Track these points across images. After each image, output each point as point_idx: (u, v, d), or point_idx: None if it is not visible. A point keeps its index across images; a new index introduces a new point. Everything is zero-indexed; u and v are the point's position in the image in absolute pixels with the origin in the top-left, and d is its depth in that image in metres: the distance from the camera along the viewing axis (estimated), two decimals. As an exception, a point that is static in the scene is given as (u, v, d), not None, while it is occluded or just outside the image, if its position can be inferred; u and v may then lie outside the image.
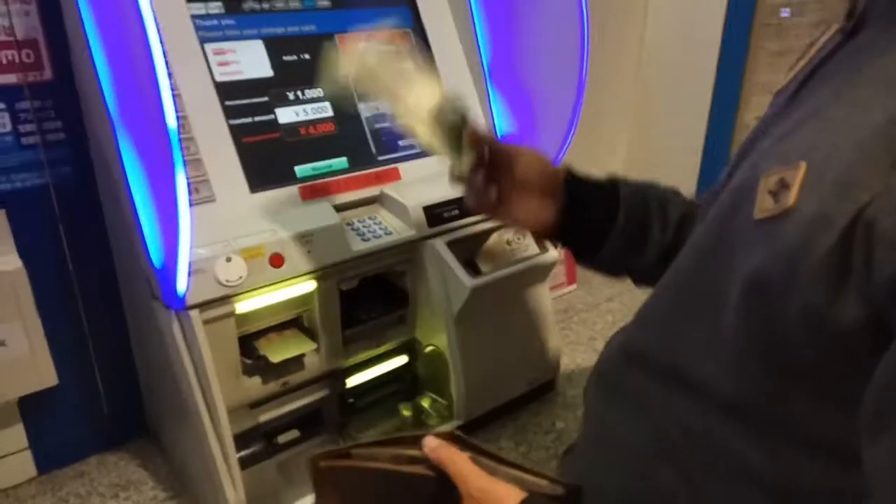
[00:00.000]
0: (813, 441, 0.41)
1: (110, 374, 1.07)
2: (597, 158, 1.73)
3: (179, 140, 0.68)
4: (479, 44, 1.18)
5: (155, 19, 0.65)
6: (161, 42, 0.66)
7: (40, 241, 0.95)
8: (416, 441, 0.58)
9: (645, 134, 1.73)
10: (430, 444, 0.55)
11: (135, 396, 1.12)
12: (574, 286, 1.66)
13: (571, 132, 1.07)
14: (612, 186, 0.78)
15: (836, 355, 0.37)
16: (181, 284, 0.79)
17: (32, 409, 1.00)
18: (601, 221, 0.76)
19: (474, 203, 0.81)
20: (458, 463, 0.53)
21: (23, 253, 0.92)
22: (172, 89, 0.70)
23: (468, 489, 0.52)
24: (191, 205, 0.80)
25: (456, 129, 0.76)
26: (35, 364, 0.94)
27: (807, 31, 1.42)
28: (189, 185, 0.86)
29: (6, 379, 0.92)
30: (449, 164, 0.81)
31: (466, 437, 0.57)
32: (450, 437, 0.57)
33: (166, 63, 0.69)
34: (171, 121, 0.67)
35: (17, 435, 1.01)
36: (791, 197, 0.39)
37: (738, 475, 0.45)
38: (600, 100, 1.55)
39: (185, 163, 0.73)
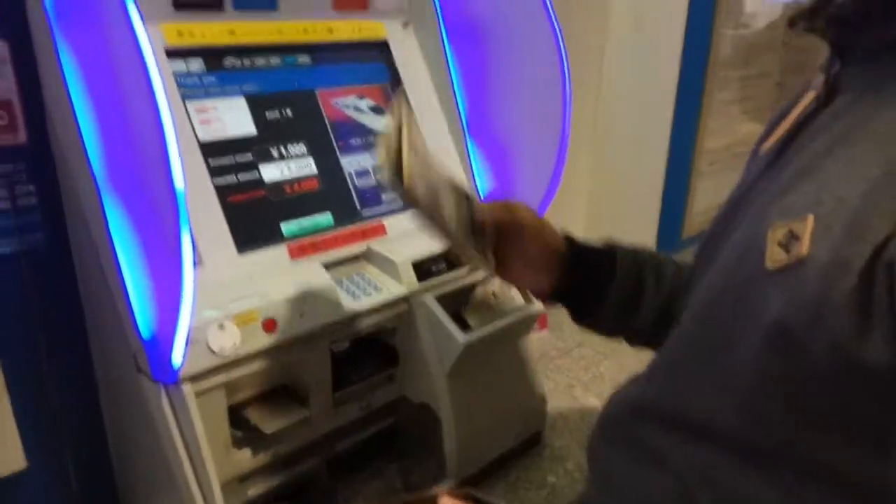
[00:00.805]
0: (841, 481, 0.41)
1: (81, 453, 0.99)
2: (559, 206, 1.77)
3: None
4: (457, 98, 1.19)
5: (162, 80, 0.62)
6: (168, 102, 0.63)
7: (8, 315, 0.88)
8: (431, 502, 0.56)
9: (605, 181, 1.78)
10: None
11: (106, 476, 1.04)
12: (545, 331, 1.67)
13: (556, 185, 1.09)
14: (609, 250, 0.79)
15: (864, 395, 0.38)
16: (177, 356, 0.75)
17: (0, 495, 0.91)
18: (599, 284, 0.77)
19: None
20: None
21: (-12, 327, 0.85)
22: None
23: None
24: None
25: (475, 224, 0.75)
26: (3, 447, 0.86)
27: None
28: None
29: (-32, 466, 0.84)
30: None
31: (480, 494, 0.56)
32: (464, 496, 0.56)
33: (162, 123, 0.66)
34: (179, 181, 0.64)
35: (-26, 525, 0.92)
36: (803, 246, 0.41)
37: None
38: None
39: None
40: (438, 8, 1.16)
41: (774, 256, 0.42)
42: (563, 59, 1.03)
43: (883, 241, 0.36)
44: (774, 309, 0.42)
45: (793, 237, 0.41)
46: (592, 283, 0.77)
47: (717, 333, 0.48)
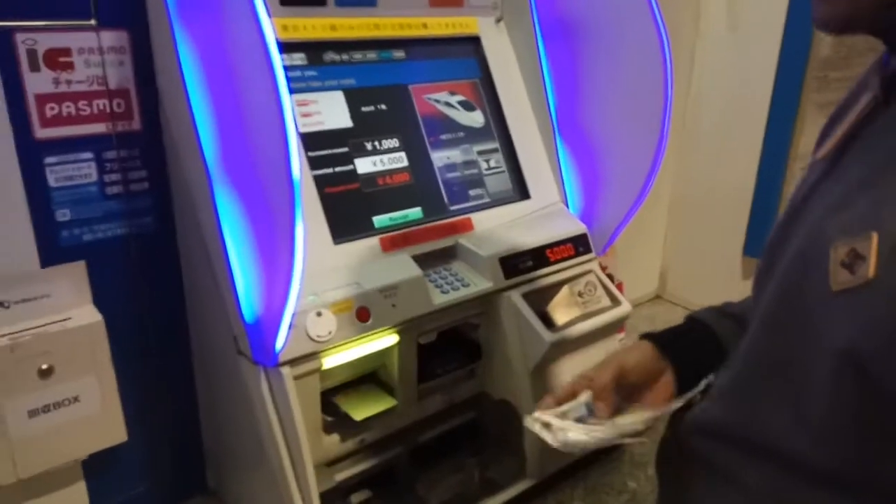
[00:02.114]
0: None
1: (176, 431, 1.03)
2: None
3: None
4: (548, 97, 1.18)
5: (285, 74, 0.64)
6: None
7: (117, 294, 0.92)
8: None
9: (690, 186, 1.73)
10: None
11: (197, 454, 1.08)
12: (623, 333, 1.64)
13: (646, 191, 1.07)
14: (694, 323, 0.75)
15: None
16: (280, 340, 0.77)
17: (96, 466, 0.96)
18: (707, 355, 0.73)
19: None
20: None
21: (100, 305, 0.89)
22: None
23: None
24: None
25: None
26: (107, 420, 0.91)
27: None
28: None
29: (78, 436, 0.89)
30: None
31: None
32: None
33: (283, 114, 0.68)
34: (297, 170, 0.66)
35: (77, 494, 0.96)
36: (870, 268, 0.39)
37: None
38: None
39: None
40: (533, 4, 1.15)
41: (839, 278, 0.41)
42: (666, 63, 1.00)
43: None
44: (844, 334, 0.40)
45: (857, 257, 0.40)
46: (701, 360, 0.72)
47: (784, 353, 0.47)
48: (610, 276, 1.59)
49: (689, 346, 0.72)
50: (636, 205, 1.10)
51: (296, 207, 0.67)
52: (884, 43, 0.46)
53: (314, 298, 0.83)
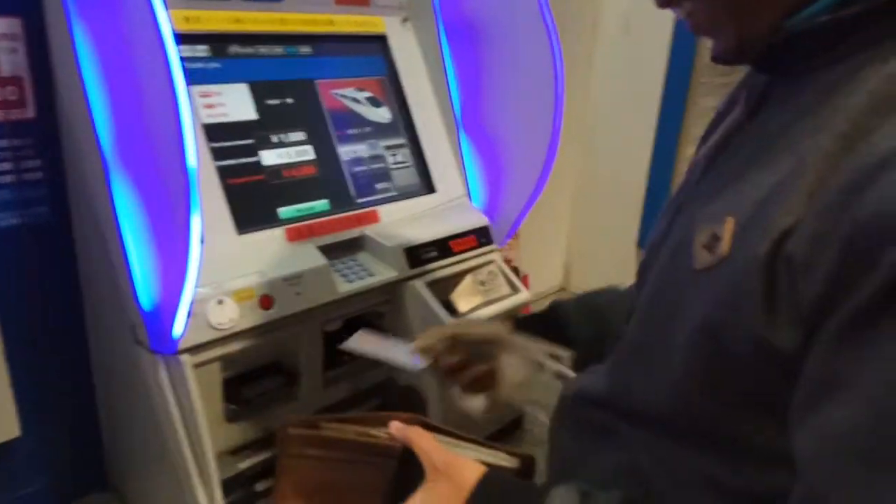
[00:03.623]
0: (765, 454, 0.46)
1: (73, 425, 1.01)
2: (548, 205, 1.81)
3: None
4: (451, 93, 1.23)
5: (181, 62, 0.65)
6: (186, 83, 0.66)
7: (10, 285, 0.90)
8: (380, 421, 0.61)
9: (592, 182, 1.82)
10: (396, 425, 0.59)
11: (95, 447, 1.06)
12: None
13: (542, 184, 1.13)
14: (551, 309, 0.81)
15: (779, 377, 0.42)
16: (178, 327, 0.78)
17: (-12, 462, 0.93)
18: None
19: None
20: (424, 439, 0.57)
21: (-9, 297, 0.87)
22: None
23: (433, 462, 0.56)
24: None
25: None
26: (-1, 414, 0.89)
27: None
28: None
29: (-34, 431, 0.86)
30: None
31: (429, 420, 0.60)
32: (414, 420, 0.60)
33: (178, 104, 0.69)
34: (192, 160, 0.67)
35: (-33, 492, 0.94)
36: (724, 247, 0.45)
37: (705, 488, 0.50)
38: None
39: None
40: (437, 6, 1.19)
41: (700, 258, 0.47)
42: (556, 62, 1.07)
43: (781, 236, 0.40)
44: (701, 307, 0.46)
45: (715, 239, 0.45)
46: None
47: (655, 333, 0.53)
48: (515, 270, 1.66)
49: (540, 328, 0.78)
50: (532, 199, 1.16)
51: (191, 196, 0.68)
52: (755, 68, 0.52)
53: (210, 289, 0.83)
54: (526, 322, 0.80)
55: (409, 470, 0.57)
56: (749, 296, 0.43)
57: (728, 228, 0.46)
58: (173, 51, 0.66)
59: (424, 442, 0.58)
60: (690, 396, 0.49)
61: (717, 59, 0.52)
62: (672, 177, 1.66)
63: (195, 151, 0.69)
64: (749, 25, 0.48)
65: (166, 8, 0.68)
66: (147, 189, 0.77)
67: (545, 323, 0.78)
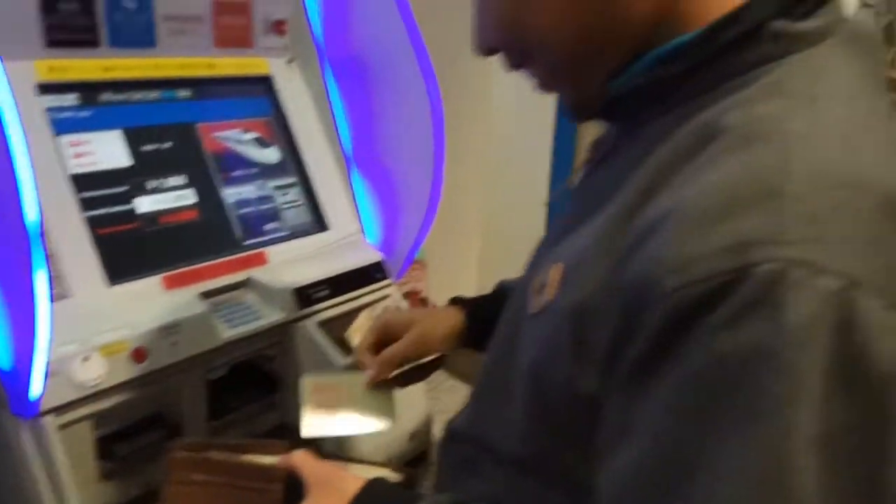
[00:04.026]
0: (582, 485, 0.47)
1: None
2: (454, 240, 1.84)
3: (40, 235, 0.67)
4: (339, 130, 1.24)
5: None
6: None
7: None
8: (272, 448, 0.66)
9: (497, 219, 1.86)
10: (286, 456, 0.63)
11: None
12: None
13: (430, 220, 1.15)
14: (499, 288, 0.85)
15: (589, 418, 0.44)
16: (35, 388, 0.75)
17: None
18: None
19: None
20: (308, 459, 0.61)
21: None
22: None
23: (317, 477, 0.59)
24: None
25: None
26: None
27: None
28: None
29: None
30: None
31: (320, 446, 0.63)
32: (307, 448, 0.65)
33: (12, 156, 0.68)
34: (32, 214, 0.65)
35: None
36: (549, 292, 0.48)
37: None
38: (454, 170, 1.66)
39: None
40: (322, 45, 1.21)
41: (532, 303, 0.49)
42: (433, 97, 1.09)
43: (589, 286, 0.43)
44: (529, 351, 0.49)
45: (545, 284, 0.48)
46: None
47: (500, 372, 0.55)
48: (423, 300, 1.67)
49: (491, 309, 0.81)
50: (423, 232, 1.18)
51: (34, 253, 0.67)
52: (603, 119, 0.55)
53: (74, 346, 0.81)
54: (474, 304, 0.84)
55: (296, 494, 0.59)
56: (562, 342, 0.46)
57: (554, 275, 0.48)
58: (8, 103, 0.65)
59: (308, 461, 0.61)
60: (532, 435, 0.52)
61: (566, 115, 0.56)
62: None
63: (37, 206, 0.67)
64: (581, 87, 0.52)
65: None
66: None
67: (494, 304, 0.80)
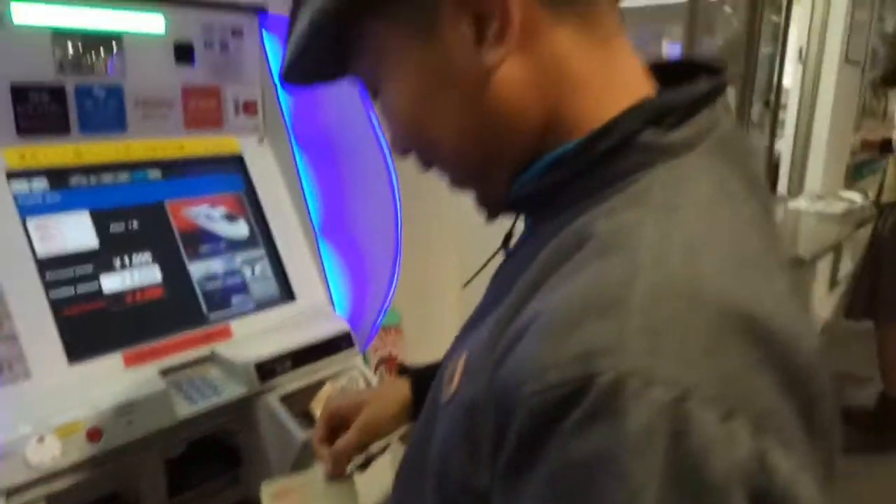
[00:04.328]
0: None
1: None
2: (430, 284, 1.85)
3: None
4: (308, 203, 1.27)
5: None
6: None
7: None
8: None
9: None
10: None
11: None
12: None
13: (389, 292, 1.17)
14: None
15: None
16: (-17, 474, 0.76)
17: None
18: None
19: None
20: None
21: None
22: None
23: None
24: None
25: None
26: None
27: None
28: (-1, 364, 0.85)
29: None
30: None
31: None
32: None
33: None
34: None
35: None
36: (454, 383, 0.49)
37: None
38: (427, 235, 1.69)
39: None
40: (290, 126, 1.26)
41: (444, 391, 0.51)
42: (389, 169, 1.13)
43: (480, 383, 0.44)
44: (437, 440, 0.50)
45: (452, 375, 0.50)
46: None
47: (417, 463, 0.56)
48: (400, 366, 1.67)
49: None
50: (386, 301, 1.20)
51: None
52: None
53: (28, 427, 0.83)
54: (419, 376, 0.83)
55: None
56: (458, 437, 0.47)
57: (460, 365, 0.50)
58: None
59: None
60: None
61: (479, 212, 0.59)
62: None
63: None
64: (486, 188, 0.55)
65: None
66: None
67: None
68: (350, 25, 0.50)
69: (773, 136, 3.12)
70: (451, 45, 0.47)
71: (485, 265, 0.64)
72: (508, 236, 0.60)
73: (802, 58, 3.59)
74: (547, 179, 0.49)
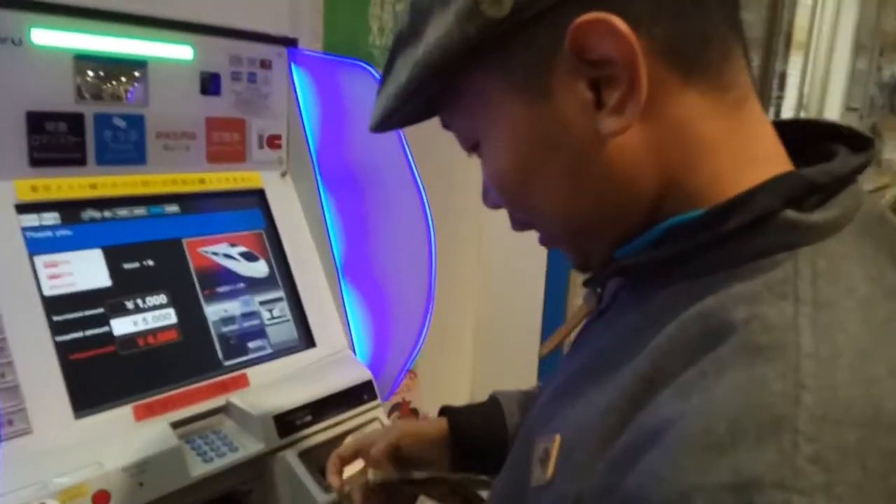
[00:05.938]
0: None
1: None
2: (447, 348, 1.78)
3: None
4: (332, 242, 1.21)
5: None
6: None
7: None
8: None
9: (490, 324, 1.83)
10: None
11: None
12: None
13: (420, 338, 1.10)
14: (491, 399, 0.82)
15: None
16: (-24, 549, 0.68)
17: None
18: (492, 433, 0.78)
19: None
20: None
21: None
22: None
23: None
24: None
25: None
26: None
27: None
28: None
29: None
30: None
31: None
32: None
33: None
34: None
35: None
36: (550, 469, 0.43)
37: None
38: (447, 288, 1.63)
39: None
40: (315, 159, 1.20)
41: (535, 474, 0.44)
42: (425, 209, 1.07)
43: (584, 476, 0.39)
44: None
45: (546, 457, 0.43)
46: (486, 436, 0.78)
47: None
48: (414, 411, 1.60)
49: (478, 424, 0.77)
50: (415, 348, 1.13)
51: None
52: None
53: (29, 490, 0.74)
54: (460, 415, 0.80)
55: None
56: None
57: (555, 448, 0.44)
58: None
59: None
60: None
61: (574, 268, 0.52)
62: (564, 310, 1.68)
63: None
64: (584, 253, 0.50)
65: None
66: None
67: (482, 416, 0.78)
68: (453, 77, 0.44)
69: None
70: (565, 108, 0.42)
71: (564, 337, 0.58)
72: (600, 298, 0.53)
73: (804, 105, 3.61)
74: (665, 250, 0.43)
